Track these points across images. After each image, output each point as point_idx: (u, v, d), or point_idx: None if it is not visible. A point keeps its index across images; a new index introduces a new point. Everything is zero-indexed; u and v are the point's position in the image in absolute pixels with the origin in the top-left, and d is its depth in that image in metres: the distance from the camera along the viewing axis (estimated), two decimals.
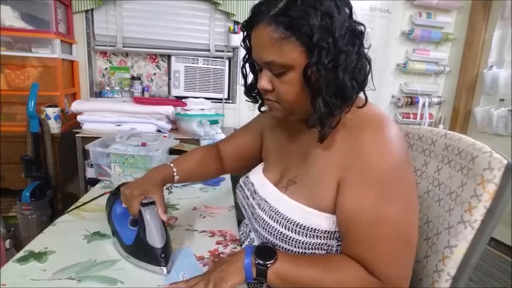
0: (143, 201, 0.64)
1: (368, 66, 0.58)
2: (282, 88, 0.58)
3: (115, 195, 0.74)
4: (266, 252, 0.56)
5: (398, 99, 2.56)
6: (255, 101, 0.75)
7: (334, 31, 0.52)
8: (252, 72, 0.70)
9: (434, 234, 0.65)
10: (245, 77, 0.71)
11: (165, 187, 0.74)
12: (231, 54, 2.28)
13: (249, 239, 0.76)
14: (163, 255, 0.61)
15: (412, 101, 2.56)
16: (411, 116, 2.61)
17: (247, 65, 0.69)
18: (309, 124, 0.59)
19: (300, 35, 0.53)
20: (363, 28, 0.57)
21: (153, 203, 0.65)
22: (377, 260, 0.53)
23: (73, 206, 0.89)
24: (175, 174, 0.76)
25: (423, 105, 2.56)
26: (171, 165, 0.77)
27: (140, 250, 0.63)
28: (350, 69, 0.55)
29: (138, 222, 0.64)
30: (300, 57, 0.54)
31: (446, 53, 2.59)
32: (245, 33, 0.64)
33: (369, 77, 0.59)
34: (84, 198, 0.98)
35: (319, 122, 0.57)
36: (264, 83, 0.59)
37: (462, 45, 2.46)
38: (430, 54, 2.52)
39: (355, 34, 0.56)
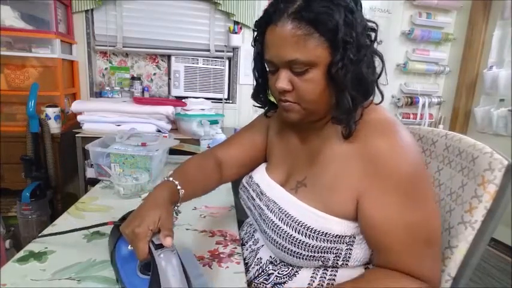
0: (155, 241, 0.48)
1: (381, 62, 0.59)
2: (304, 87, 0.56)
3: (119, 227, 0.53)
4: None
5: (398, 99, 2.56)
6: (263, 106, 0.73)
7: (356, 26, 0.53)
8: (259, 75, 0.68)
9: None
10: (257, 79, 0.69)
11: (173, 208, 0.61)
12: (231, 54, 2.28)
13: (253, 239, 0.75)
14: None
15: (412, 101, 2.55)
16: (411, 116, 2.61)
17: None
18: (334, 121, 0.58)
19: (324, 31, 0.52)
20: (374, 25, 0.58)
21: None
22: (419, 265, 0.54)
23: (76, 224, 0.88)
24: (179, 187, 0.62)
25: (423, 106, 2.56)
26: (171, 179, 0.63)
27: None
28: (371, 64, 0.56)
29: (151, 269, 0.48)
30: (324, 54, 0.54)
31: (446, 53, 2.58)
32: (256, 33, 0.62)
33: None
34: (84, 199, 0.98)
35: (346, 118, 0.56)
36: (283, 83, 0.57)
37: (462, 46, 2.46)
38: (430, 54, 2.52)
39: (369, 30, 0.57)
